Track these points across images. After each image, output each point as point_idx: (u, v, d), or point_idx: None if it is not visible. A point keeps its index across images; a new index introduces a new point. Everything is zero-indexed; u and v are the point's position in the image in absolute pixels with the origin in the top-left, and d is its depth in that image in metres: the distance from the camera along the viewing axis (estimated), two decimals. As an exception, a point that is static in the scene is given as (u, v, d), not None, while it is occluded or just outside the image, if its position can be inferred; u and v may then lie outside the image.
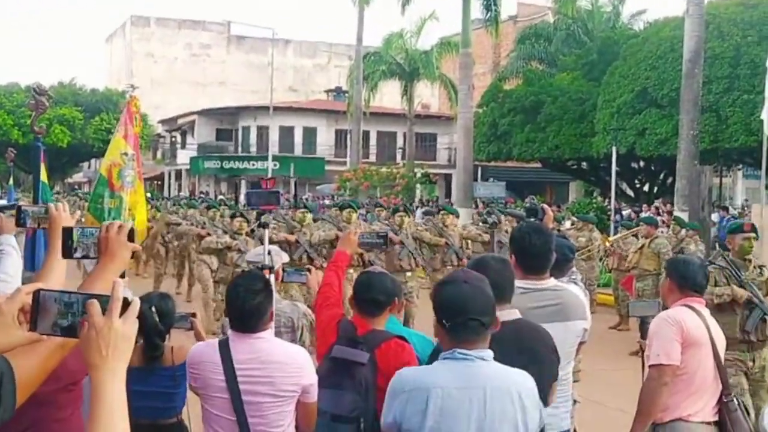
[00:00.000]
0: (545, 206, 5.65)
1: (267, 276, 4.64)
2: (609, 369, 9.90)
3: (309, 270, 5.39)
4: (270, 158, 42.64)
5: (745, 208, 28.31)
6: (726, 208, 26.94)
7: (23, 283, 2.54)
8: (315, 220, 12.63)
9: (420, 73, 41.73)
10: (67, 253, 2.60)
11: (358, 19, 38.66)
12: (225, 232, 12.35)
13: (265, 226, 5.18)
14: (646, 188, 31.80)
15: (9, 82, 47.46)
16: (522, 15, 49.28)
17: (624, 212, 26.55)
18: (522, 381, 2.89)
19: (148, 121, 48.14)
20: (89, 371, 1.76)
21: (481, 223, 13.94)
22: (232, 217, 12.68)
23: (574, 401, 5.09)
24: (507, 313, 3.39)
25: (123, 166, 6.76)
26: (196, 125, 53.57)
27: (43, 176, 6.79)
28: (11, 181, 15.94)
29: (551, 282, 4.04)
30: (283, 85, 62.56)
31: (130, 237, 2.53)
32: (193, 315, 4.40)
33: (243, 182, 48.35)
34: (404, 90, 42.86)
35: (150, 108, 49.26)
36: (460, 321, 2.85)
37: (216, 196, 40.09)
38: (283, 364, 3.68)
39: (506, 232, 12.10)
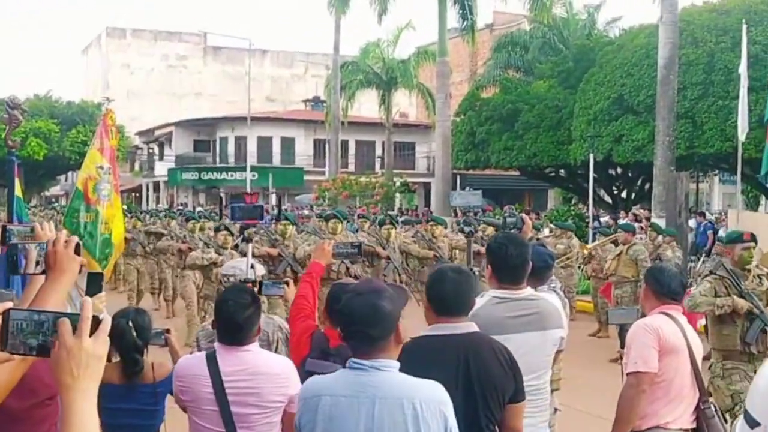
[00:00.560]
0: (524, 216, 5.68)
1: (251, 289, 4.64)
2: (588, 376, 9.92)
3: (287, 283, 5.39)
4: (248, 169, 42.53)
5: (722, 214, 28.53)
6: (703, 214, 27.11)
7: None
8: (299, 232, 12.54)
9: (397, 82, 41.81)
10: (15, 269, 2.60)
11: (335, 28, 38.67)
12: (207, 246, 12.22)
13: (248, 240, 5.21)
14: (623, 195, 31.95)
15: (-16, 96, 47.04)
16: (498, 23, 49.49)
17: (602, 219, 26.69)
18: (426, 392, 2.84)
19: (125, 132, 47.90)
20: (60, 392, 1.74)
21: (459, 232, 13.88)
22: (217, 230, 12.49)
23: (555, 409, 5.11)
24: (462, 326, 3.41)
25: (99, 180, 6.72)
26: (174, 136, 53.38)
27: (18, 191, 6.72)
28: (-14, 195, 15.81)
29: (527, 291, 4.06)
30: (261, 96, 62.47)
31: (77, 251, 2.54)
32: (167, 331, 4.36)
33: (223, 194, 48.24)
34: (382, 99, 42.91)
35: (127, 119, 49.03)
36: (350, 331, 2.92)
37: (194, 208, 39.92)
38: (270, 375, 3.71)
39: (482, 239, 12.15)
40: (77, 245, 2.56)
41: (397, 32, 41.31)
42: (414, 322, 3.37)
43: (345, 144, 46.48)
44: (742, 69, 16.42)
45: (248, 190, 40.60)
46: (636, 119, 25.67)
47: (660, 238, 13.76)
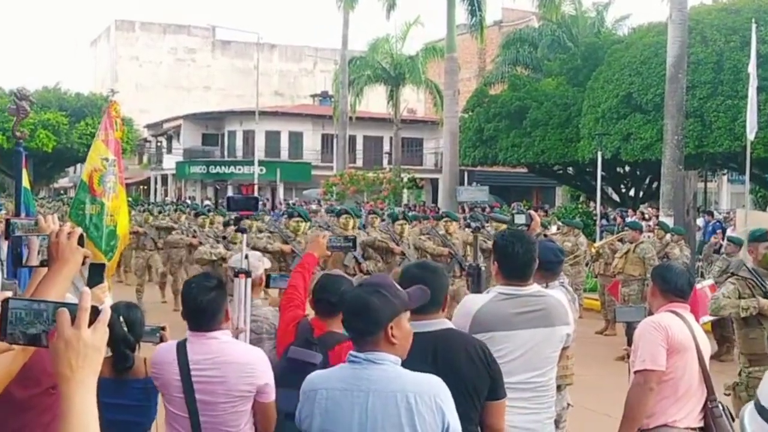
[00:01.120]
0: (533, 212, 5.66)
1: (243, 280, 4.67)
2: (595, 374, 9.89)
3: None
4: (256, 163, 42.58)
5: (731, 213, 28.44)
6: (711, 213, 27.02)
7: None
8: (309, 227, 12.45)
9: (405, 78, 41.75)
10: (19, 262, 2.59)
11: (343, 23, 38.64)
12: (216, 240, 12.15)
13: (243, 231, 5.24)
14: (631, 193, 31.90)
15: (-6, 88, 47.19)
16: (507, 20, 49.39)
17: (611, 216, 26.62)
18: (422, 386, 2.83)
19: (134, 125, 47.97)
20: (58, 383, 1.72)
21: (465, 228, 13.80)
22: (226, 225, 12.30)
23: (568, 404, 5.10)
24: (434, 323, 3.43)
25: (104, 172, 6.73)
26: (182, 130, 53.41)
27: (26, 182, 6.74)
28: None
29: (534, 288, 4.05)
30: (269, 90, 62.49)
31: (80, 242, 2.54)
32: (163, 328, 4.34)
33: (219, 186, 48.35)
34: (390, 95, 42.86)
35: (135, 112, 49.13)
36: (345, 323, 2.97)
37: (202, 202, 39.99)
38: (238, 365, 3.74)
39: (487, 234, 12.10)
40: (81, 236, 2.56)
41: (406, 28, 41.28)
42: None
43: (353, 139, 46.48)
44: (752, 68, 16.36)
45: (256, 184, 40.68)
46: (644, 118, 25.61)
47: (668, 236, 13.71)
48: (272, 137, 49.77)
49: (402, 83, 42.38)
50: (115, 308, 4.36)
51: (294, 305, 4.40)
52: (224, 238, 12.39)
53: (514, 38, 38.59)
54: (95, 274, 4.16)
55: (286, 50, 69.51)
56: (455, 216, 13.63)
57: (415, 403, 2.76)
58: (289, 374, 3.93)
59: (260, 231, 12.77)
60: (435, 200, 43.62)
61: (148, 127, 56.84)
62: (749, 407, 2.07)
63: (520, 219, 5.60)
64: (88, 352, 1.72)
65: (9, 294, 1.87)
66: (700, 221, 24.15)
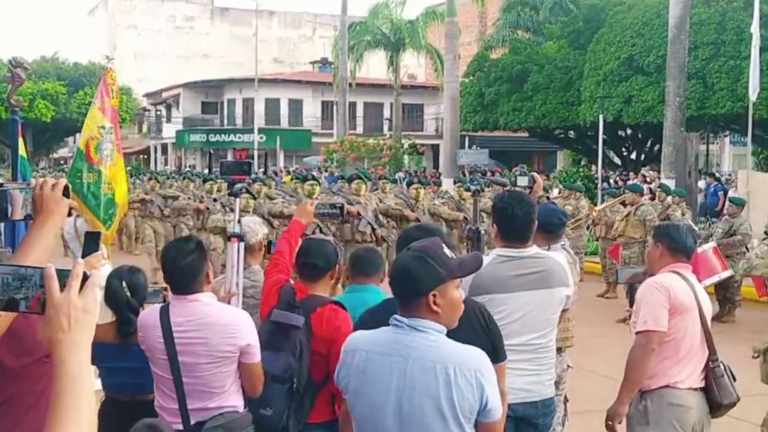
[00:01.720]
0: (535, 175, 5.61)
1: (236, 244, 4.68)
2: (596, 336, 9.91)
3: None
4: (256, 131, 42.46)
5: (733, 175, 28.38)
6: (713, 175, 26.97)
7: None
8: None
9: (406, 43, 41.45)
10: (2, 215, 2.56)
11: (343, -12, 38.34)
12: (224, 207, 12.06)
13: (236, 195, 5.25)
14: (633, 156, 31.81)
15: (-10, 58, 46.96)
16: (508, -17, 48.91)
17: (612, 179, 26.57)
18: (464, 357, 2.75)
19: (133, 94, 47.79)
20: (51, 348, 1.70)
21: (465, 192, 13.72)
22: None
23: (568, 366, 5.10)
24: None
25: (101, 140, 6.66)
26: (181, 98, 53.23)
27: (22, 150, 6.66)
28: (-6, 156, 15.75)
29: (533, 250, 4.02)
30: (268, 57, 62.13)
31: (66, 193, 2.50)
32: (165, 289, 4.34)
33: (230, 155, 48.20)
34: (390, 60, 42.59)
35: (134, 81, 48.95)
36: (391, 287, 2.87)
37: (203, 170, 39.92)
38: (219, 326, 3.76)
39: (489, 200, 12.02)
40: (66, 187, 2.52)
41: (406, -8, 40.92)
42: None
43: (353, 106, 46.30)
44: (754, 28, 16.22)
45: (255, 151, 40.60)
46: (646, 80, 25.47)
47: (669, 199, 13.66)
48: (272, 105, 49.60)
49: (402, 48, 42.10)
50: (117, 273, 4.37)
51: (278, 270, 4.41)
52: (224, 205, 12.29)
53: (515, 1, 38.22)
54: (91, 243, 4.13)
55: (285, 17, 69.07)
56: (486, 181, 13.40)
57: (455, 374, 2.69)
58: (272, 337, 4.00)
59: (270, 198, 12.65)
60: (436, 166, 43.54)
61: (147, 96, 56.65)
62: None
63: (522, 181, 5.55)
64: (79, 315, 1.70)
65: None
66: (701, 183, 24.13)
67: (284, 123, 49.40)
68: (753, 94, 15.91)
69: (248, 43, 56.08)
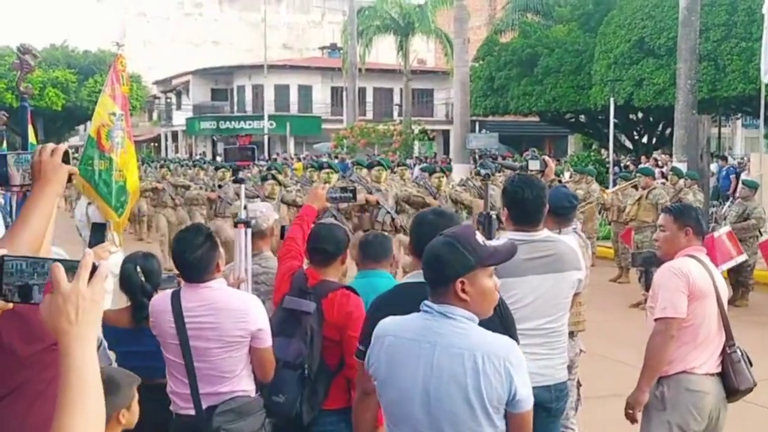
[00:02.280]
0: (546, 158, 5.57)
1: (243, 230, 4.68)
2: (610, 321, 9.89)
3: None
4: (266, 117, 42.45)
5: (745, 158, 28.23)
6: (725, 158, 26.84)
7: None
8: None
9: (415, 28, 41.30)
10: (1, 181, 2.54)
11: (351, -28, 38.21)
12: (237, 195, 11.96)
13: (240, 181, 5.25)
14: (644, 140, 31.66)
15: (0, 46, 47.01)
16: (517, -34, 48.64)
17: (623, 163, 26.48)
18: (493, 347, 2.69)
19: (142, 82, 47.81)
20: (57, 337, 1.70)
21: (474, 175, 13.63)
22: (263, 179, 11.91)
23: (580, 350, 5.09)
24: None
25: (111, 127, 6.65)
26: (191, 86, 53.25)
27: (32, 137, 6.67)
28: (5, 145, 15.76)
29: (544, 233, 4.01)
30: (277, 43, 61.96)
31: (65, 159, 2.46)
32: (179, 274, 4.36)
33: (215, 138, 48.37)
34: (399, 45, 42.46)
35: (144, 69, 48.89)
36: (423, 274, 2.83)
37: (214, 157, 39.93)
38: (230, 311, 3.78)
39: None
40: (65, 153, 2.47)
41: (415, -25, 40.78)
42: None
43: (362, 91, 46.19)
44: (766, 9, 16.04)
45: (266, 138, 40.58)
46: (657, 62, 25.31)
47: (681, 182, 13.59)
48: (281, 91, 49.54)
49: (411, 33, 41.94)
50: (132, 259, 4.40)
51: (291, 256, 4.41)
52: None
53: (524, -16, 38.02)
54: (97, 234, 4.14)
55: (293, 2, 68.82)
56: (490, 166, 13.29)
57: (483, 363, 2.63)
58: (284, 323, 4.01)
59: (284, 185, 12.44)
60: (446, 152, 43.46)
61: (157, 83, 56.67)
62: None
63: (534, 165, 5.51)
64: (86, 306, 1.70)
65: (4, 251, 1.83)
66: (713, 166, 23.99)
67: (294, 109, 49.35)
68: (765, 76, 15.76)
69: (257, 29, 55.96)
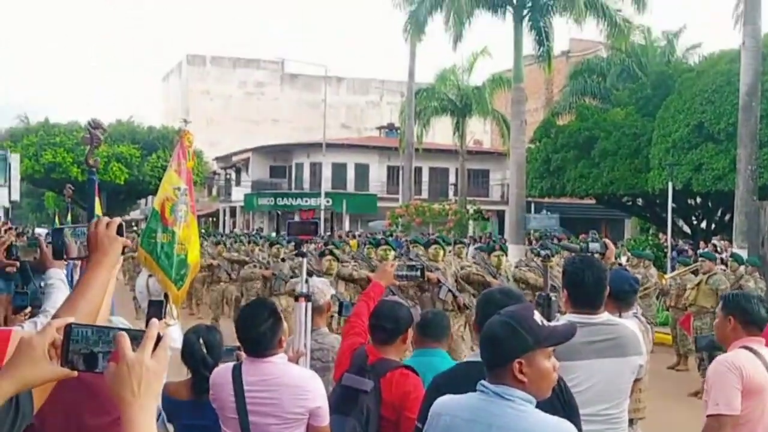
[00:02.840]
0: (607, 241, 5.54)
1: (304, 303, 4.69)
2: (668, 409, 9.63)
3: None
4: (323, 194, 42.91)
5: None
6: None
7: None
8: (397, 258, 11.83)
9: (472, 109, 41.65)
10: (58, 254, 2.59)
11: (410, 55, 38.83)
12: (293, 270, 11.95)
13: (303, 255, 5.28)
14: (703, 225, 31.22)
15: (69, 121, 48.55)
16: (575, 50, 49.07)
17: (681, 248, 26.06)
18: (550, 430, 2.65)
19: (203, 158, 48.84)
20: (120, 407, 1.73)
21: (534, 257, 13.50)
22: (321, 255, 11.86)
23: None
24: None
25: (176, 201, 6.78)
26: (251, 162, 54.18)
27: (98, 209, 6.82)
28: (69, 218, 16.14)
29: (604, 316, 3.95)
30: (336, 122, 63.03)
31: (119, 232, 2.51)
32: (239, 348, 4.39)
33: (279, 213, 48.87)
34: (456, 126, 42.81)
35: (205, 145, 50.00)
36: (481, 354, 2.81)
37: (271, 232, 40.32)
38: (290, 387, 3.77)
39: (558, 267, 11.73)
40: (120, 226, 2.53)
41: (473, 59, 41.26)
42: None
43: (419, 171, 46.51)
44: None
45: (322, 214, 40.95)
46: (716, 147, 25.11)
47: (742, 268, 13.33)
48: (339, 169, 50.14)
49: (468, 114, 42.31)
50: (195, 330, 4.42)
51: (354, 332, 4.43)
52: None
53: (582, 68, 38.29)
54: (153, 311, 4.21)
55: (353, 83, 70.16)
56: (556, 248, 12.99)
57: None
58: (342, 401, 3.98)
59: (341, 261, 12.20)
60: (501, 232, 43.33)
61: (218, 159, 57.79)
62: None
63: (594, 247, 5.47)
64: (150, 378, 1.73)
65: (71, 319, 1.88)
66: (775, 253, 23.49)
67: (350, 187, 49.83)
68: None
69: (317, 109, 57.03)
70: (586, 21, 29.21)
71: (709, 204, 29.93)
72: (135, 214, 65.23)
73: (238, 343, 4.14)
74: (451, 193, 48.44)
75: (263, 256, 15.53)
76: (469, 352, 8.69)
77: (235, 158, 56.49)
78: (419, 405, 3.46)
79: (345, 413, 3.94)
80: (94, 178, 6.52)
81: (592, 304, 3.90)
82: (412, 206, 37.63)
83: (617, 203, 33.35)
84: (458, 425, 2.74)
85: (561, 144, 31.33)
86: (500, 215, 46.42)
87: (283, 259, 13.20)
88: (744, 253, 16.27)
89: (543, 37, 30.49)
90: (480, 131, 51.59)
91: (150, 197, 51.81)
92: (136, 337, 1.76)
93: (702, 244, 26.35)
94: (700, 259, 13.62)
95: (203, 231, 33.65)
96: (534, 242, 26.15)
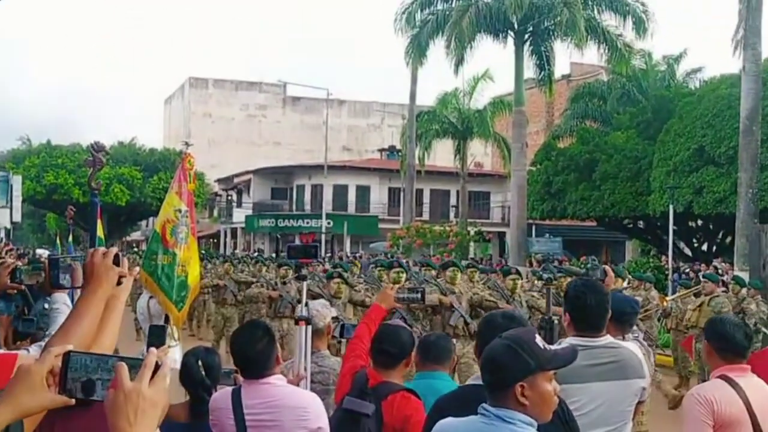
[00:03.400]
0: (607, 267, 5.54)
1: (304, 327, 4.69)
2: (669, 432, 9.58)
3: None
4: (324, 216, 42.95)
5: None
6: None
7: None
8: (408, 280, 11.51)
9: (473, 132, 41.75)
10: (54, 282, 2.61)
11: (411, 79, 38.95)
12: (299, 292, 11.81)
13: (303, 278, 5.28)
14: (704, 247, 31.22)
15: (71, 143, 48.73)
16: (575, 74, 49.28)
17: (682, 270, 26.04)
18: None
19: (205, 179, 48.96)
20: None
21: (536, 281, 13.45)
22: (329, 278, 11.60)
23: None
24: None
25: (176, 223, 6.80)
26: (252, 184, 54.30)
27: (100, 231, 6.85)
28: (71, 239, 16.17)
29: (607, 339, 3.94)
30: (337, 145, 63.21)
31: (116, 261, 2.52)
32: (236, 371, 4.38)
33: (297, 241, 48.76)
34: (457, 148, 42.90)
35: (207, 167, 50.13)
36: (482, 377, 2.80)
37: (272, 254, 40.32)
38: (291, 408, 3.77)
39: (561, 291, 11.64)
40: (116, 256, 2.54)
41: (474, 82, 41.39)
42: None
43: (420, 193, 46.55)
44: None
45: (323, 236, 40.95)
46: (717, 171, 25.17)
47: (744, 291, 13.32)
48: (340, 191, 50.22)
49: (470, 137, 42.39)
50: (194, 352, 4.41)
51: (355, 355, 4.43)
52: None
53: (582, 92, 38.45)
54: (155, 336, 4.20)
55: (354, 106, 70.41)
56: (552, 270, 12.59)
57: None
58: (343, 424, 3.97)
59: (350, 285, 11.92)
60: (502, 254, 43.31)
61: (219, 181, 57.91)
62: None
63: (594, 274, 5.49)
64: (146, 407, 1.72)
65: (70, 347, 1.88)
66: (777, 276, 23.48)
67: (351, 209, 49.89)
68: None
69: (318, 131, 57.21)
70: (587, 45, 29.34)
71: (710, 227, 29.95)
72: (136, 236, 65.27)
73: (234, 366, 4.14)
74: (452, 214, 48.48)
75: (270, 277, 15.47)
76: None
77: (236, 180, 56.63)
78: (420, 428, 3.46)
79: None
80: (97, 201, 6.57)
81: (594, 327, 3.89)
82: (413, 228, 37.62)
83: (618, 226, 33.37)
84: None
85: (562, 167, 31.40)
86: (501, 237, 46.46)
87: (284, 282, 13.16)
88: (745, 276, 16.27)
89: (544, 62, 30.64)
90: (481, 154, 51.68)
91: (151, 219, 51.93)
92: (135, 366, 1.76)
93: (703, 266, 26.35)
94: (702, 280, 13.62)
95: (203, 252, 33.64)
96: (537, 265, 26.13)
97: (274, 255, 32.00)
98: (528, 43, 30.52)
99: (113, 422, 1.71)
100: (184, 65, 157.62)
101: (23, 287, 4.97)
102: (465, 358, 10.00)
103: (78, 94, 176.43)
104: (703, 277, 14.23)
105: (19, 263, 5.29)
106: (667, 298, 15.27)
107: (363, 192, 51.20)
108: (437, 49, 32.17)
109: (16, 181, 36.26)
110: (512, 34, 30.29)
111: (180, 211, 6.92)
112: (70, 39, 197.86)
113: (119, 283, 2.54)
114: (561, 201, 31.65)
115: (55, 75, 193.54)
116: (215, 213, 61.43)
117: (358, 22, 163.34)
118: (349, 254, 40.02)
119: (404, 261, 17.58)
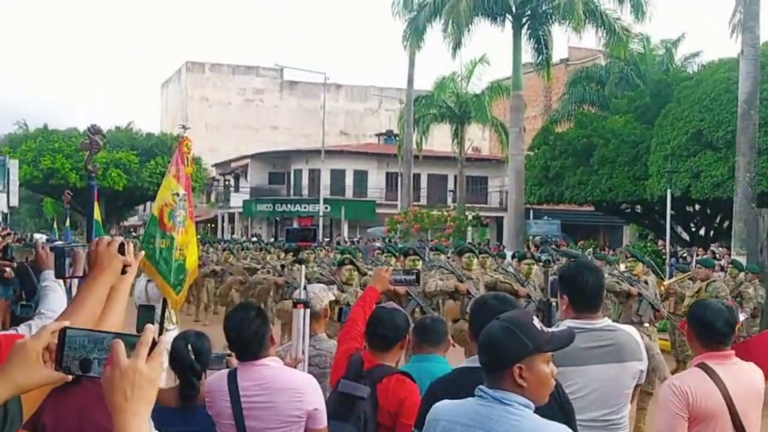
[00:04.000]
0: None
1: (302, 310, 4.69)
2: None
3: None
4: (321, 201, 42.95)
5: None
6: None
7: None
8: (429, 269, 11.26)
9: (471, 116, 41.68)
10: (60, 272, 2.61)
11: (409, 63, 38.85)
12: (309, 281, 11.68)
13: (301, 261, 5.27)
14: (702, 232, 31.26)
15: (68, 128, 48.63)
16: (573, 58, 49.19)
17: (680, 255, 26.08)
18: None
19: (202, 164, 48.90)
20: (112, 412, 1.73)
21: (535, 263, 13.38)
22: (341, 264, 11.05)
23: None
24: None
25: (174, 206, 6.76)
26: (249, 169, 54.25)
27: (97, 215, 6.82)
28: (68, 223, 16.16)
29: (605, 322, 3.93)
30: (335, 129, 63.12)
31: (121, 250, 2.53)
32: (229, 355, 4.36)
33: (277, 219, 48.88)
34: (455, 133, 42.85)
35: (204, 152, 50.05)
36: (479, 359, 2.79)
37: (269, 238, 40.32)
38: (286, 390, 3.78)
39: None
40: (121, 245, 2.54)
41: (471, 66, 41.29)
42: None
43: (417, 177, 46.53)
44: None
45: (320, 221, 40.94)
46: (715, 155, 25.16)
47: (741, 275, 13.33)
48: (337, 176, 50.20)
49: (467, 121, 42.34)
50: (184, 337, 4.39)
51: (350, 338, 4.42)
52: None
53: (580, 76, 38.40)
54: (145, 316, 4.19)
55: (352, 90, 70.26)
56: (551, 252, 12.45)
57: None
58: (339, 407, 3.98)
59: (361, 273, 11.25)
60: (500, 238, 43.33)
61: (216, 166, 57.84)
62: None
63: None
64: (143, 383, 1.73)
65: (67, 323, 1.88)
66: (774, 261, 23.51)
67: (349, 194, 49.89)
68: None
69: (315, 116, 57.14)
70: (585, 29, 29.27)
71: (708, 211, 29.98)
72: (133, 220, 65.25)
73: (227, 350, 4.13)
74: (449, 199, 48.48)
75: (275, 263, 15.43)
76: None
77: (233, 164, 56.55)
78: (415, 411, 3.45)
79: (342, 419, 3.94)
80: (94, 184, 6.52)
81: (591, 308, 3.87)
82: (411, 213, 37.62)
83: (616, 210, 33.40)
84: (456, 431, 2.73)
85: (560, 151, 31.39)
86: (498, 222, 46.46)
87: (282, 266, 13.15)
88: (743, 260, 16.28)
89: (542, 45, 30.57)
90: (478, 138, 51.64)
91: (148, 203, 51.91)
92: (132, 343, 1.76)
93: (701, 251, 26.39)
94: (696, 265, 13.63)
95: (200, 237, 33.62)
96: (535, 249, 26.15)
97: (272, 239, 31.99)
98: (526, 26, 30.43)
99: (110, 398, 1.72)
100: (181, 49, 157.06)
101: (18, 266, 4.96)
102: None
103: (75, 79, 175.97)
104: (697, 262, 14.21)
105: (10, 241, 5.30)
106: (665, 283, 15.29)
107: (360, 177, 51.16)
108: (435, 33, 32.23)
109: (13, 165, 36.20)
110: (510, 17, 30.20)
111: (178, 194, 6.88)
112: (67, 24, 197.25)
113: (124, 272, 2.55)
114: (559, 186, 31.65)
115: (52, 59, 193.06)
116: (212, 198, 61.39)
117: (356, 6, 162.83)
118: (346, 239, 40.03)
119: (419, 246, 17.36)
